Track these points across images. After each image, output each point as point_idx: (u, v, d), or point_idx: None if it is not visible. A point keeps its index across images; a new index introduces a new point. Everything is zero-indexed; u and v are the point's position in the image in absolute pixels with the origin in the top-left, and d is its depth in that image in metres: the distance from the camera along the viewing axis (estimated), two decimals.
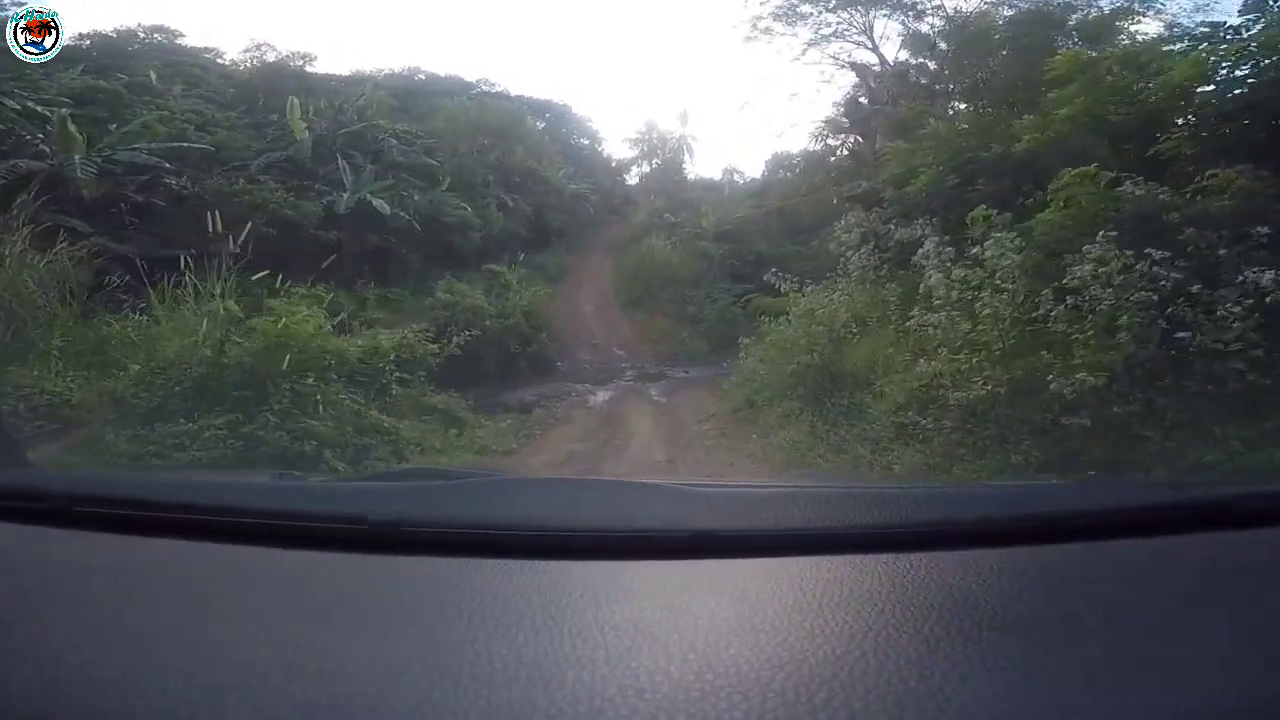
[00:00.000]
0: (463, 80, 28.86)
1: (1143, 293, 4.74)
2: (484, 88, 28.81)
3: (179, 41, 22.49)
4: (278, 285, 8.48)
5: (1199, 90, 6.28)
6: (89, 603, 0.78)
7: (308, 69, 21.68)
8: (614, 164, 33.13)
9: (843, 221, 10.81)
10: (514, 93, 29.35)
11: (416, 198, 18.54)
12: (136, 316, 8.19)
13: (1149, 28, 11.51)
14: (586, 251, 24.11)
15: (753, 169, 31.65)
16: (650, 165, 31.37)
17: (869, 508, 0.98)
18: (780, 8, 18.37)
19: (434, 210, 19.20)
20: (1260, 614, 0.75)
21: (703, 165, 37.51)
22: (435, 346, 9.91)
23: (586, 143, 33.31)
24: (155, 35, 22.71)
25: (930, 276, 6.24)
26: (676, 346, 17.53)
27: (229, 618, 0.74)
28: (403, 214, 17.27)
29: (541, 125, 30.30)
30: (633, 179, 31.89)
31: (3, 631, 0.71)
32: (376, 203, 16.37)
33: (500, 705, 0.55)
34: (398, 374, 8.75)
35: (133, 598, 0.80)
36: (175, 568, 0.88)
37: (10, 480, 1.18)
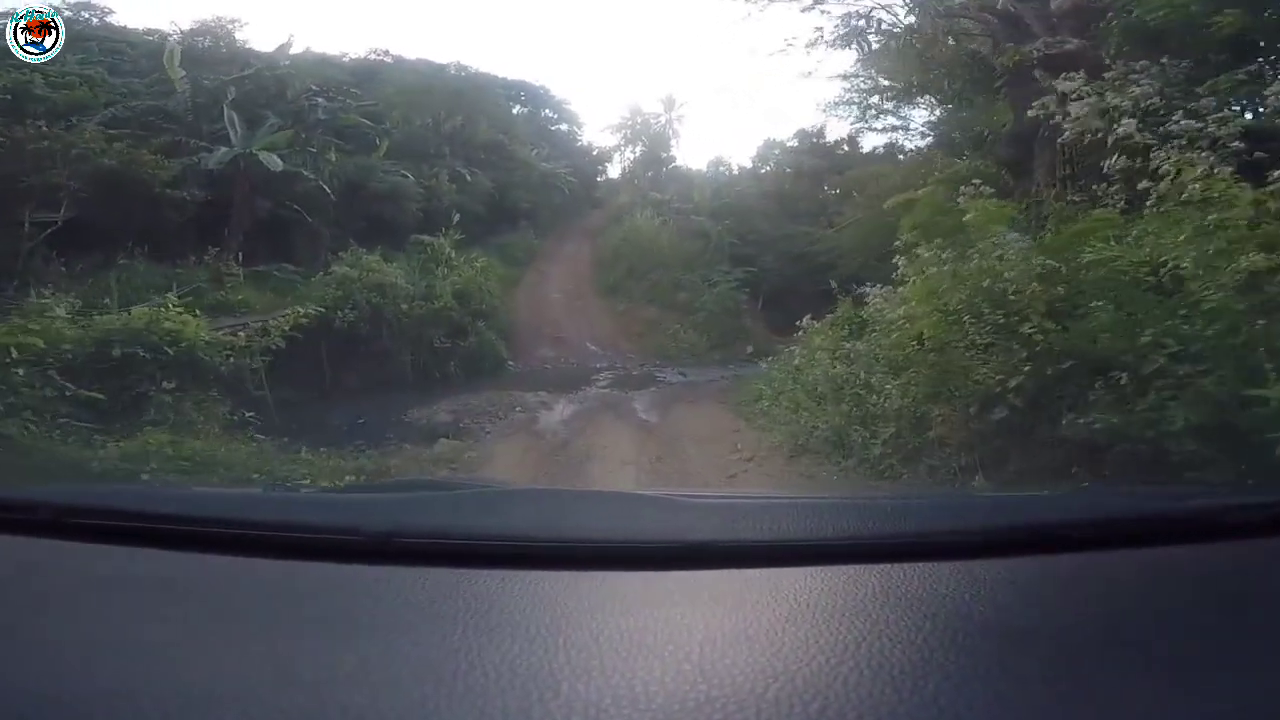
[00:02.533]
0: (433, 63, 23.54)
1: None
2: (455, 71, 23.50)
3: (109, 19, 17.79)
4: None
5: None
6: (79, 615, 0.70)
7: (237, 36, 16.26)
8: (595, 152, 27.89)
9: (1062, 80, 5.19)
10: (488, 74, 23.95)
11: (334, 158, 13.27)
12: None
13: None
14: (560, 237, 19.07)
15: (740, 160, 26.42)
16: (634, 151, 26.25)
17: (864, 518, 0.90)
18: None
19: (361, 176, 14.14)
20: (1257, 626, 0.67)
21: (688, 158, 32.23)
22: (236, 339, 4.71)
23: (565, 127, 28.07)
24: (82, 14, 17.75)
25: None
26: (666, 341, 12.50)
27: (221, 629, 0.66)
28: (308, 174, 12.07)
29: (516, 110, 25.02)
30: (615, 169, 26.71)
31: None
32: (265, 158, 11.14)
33: (494, 716, 0.50)
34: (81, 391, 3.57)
35: (123, 609, 0.71)
36: (167, 579, 0.78)
37: (0, 492, 1.04)
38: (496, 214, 18.12)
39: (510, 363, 10.75)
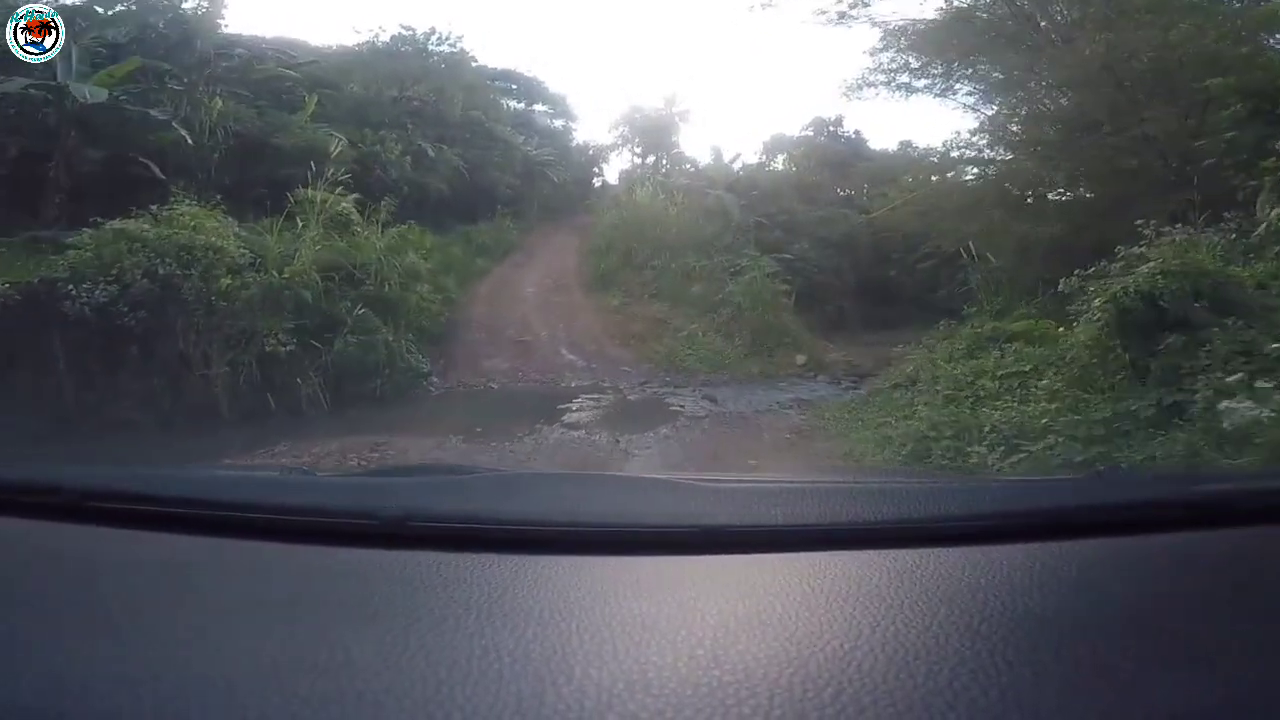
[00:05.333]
0: (402, 34, 19.23)
1: None
2: (425, 38, 19.18)
3: None
4: None
5: None
6: (100, 598, 0.65)
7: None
8: (591, 151, 23.60)
9: None
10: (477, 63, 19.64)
11: (221, 104, 9.04)
12: None
13: None
14: (546, 232, 14.88)
15: (746, 157, 21.97)
16: (633, 148, 21.94)
17: (879, 503, 0.80)
18: None
19: (263, 132, 9.82)
20: (1276, 611, 0.62)
21: (693, 151, 27.60)
22: None
23: (561, 123, 23.79)
24: None
25: None
26: (679, 347, 7.99)
27: (239, 612, 0.62)
28: (157, 115, 7.78)
29: (509, 105, 20.85)
30: (612, 171, 22.33)
31: (14, 626, 0.59)
32: (79, 89, 6.93)
33: (508, 700, 0.47)
34: None
35: (144, 593, 0.67)
36: (186, 563, 0.73)
37: (22, 474, 0.96)
38: (467, 197, 13.87)
39: (432, 379, 6.27)
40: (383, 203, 7.95)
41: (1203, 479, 1.33)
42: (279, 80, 11.49)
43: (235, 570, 0.70)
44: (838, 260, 12.92)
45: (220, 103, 9.34)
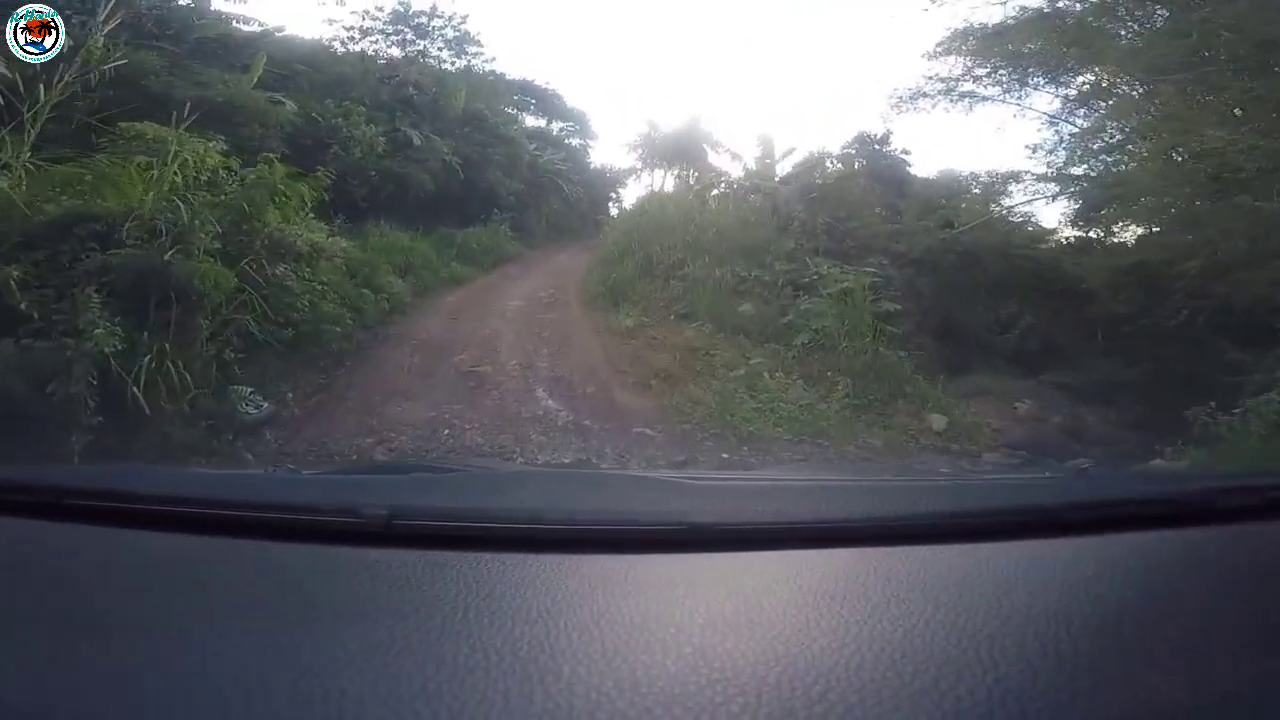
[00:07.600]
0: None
1: None
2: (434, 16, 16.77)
3: None
4: None
5: None
6: (81, 596, 0.64)
7: None
8: (609, 174, 21.03)
9: None
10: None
11: (101, 52, 6.31)
12: None
13: None
14: (551, 249, 12.21)
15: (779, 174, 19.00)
16: (656, 166, 19.18)
17: (865, 501, 0.84)
18: None
19: (176, 88, 7.09)
20: (1254, 608, 0.62)
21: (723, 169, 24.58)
22: None
23: (578, 142, 21.29)
24: None
25: None
26: (735, 395, 4.60)
27: (222, 611, 0.60)
28: None
29: (529, 121, 18.45)
30: (631, 195, 19.61)
31: None
32: None
33: (496, 699, 0.46)
34: None
35: (123, 591, 0.66)
36: (167, 561, 0.71)
37: (2, 472, 0.94)
38: (458, 197, 11.29)
39: (264, 432, 3.10)
40: (293, 160, 5.12)
41: (1187, 478, 1.23)
42: (238, 44, 8.89)
43: (219, 568, 0.67)
44: (919, 284, 9.78)
45: (104, 47, 6.69)
